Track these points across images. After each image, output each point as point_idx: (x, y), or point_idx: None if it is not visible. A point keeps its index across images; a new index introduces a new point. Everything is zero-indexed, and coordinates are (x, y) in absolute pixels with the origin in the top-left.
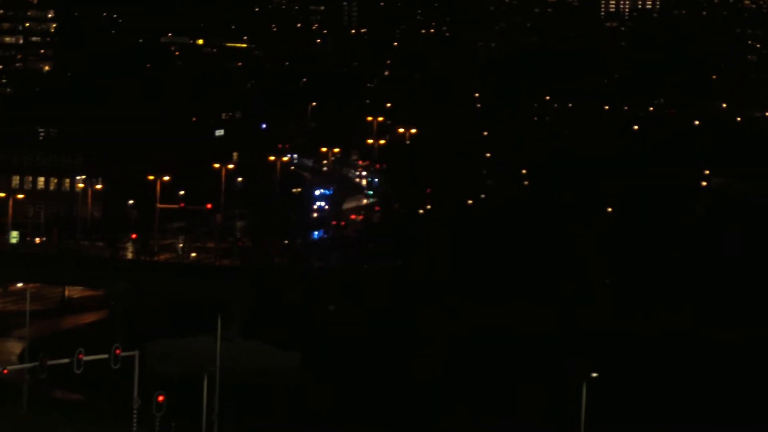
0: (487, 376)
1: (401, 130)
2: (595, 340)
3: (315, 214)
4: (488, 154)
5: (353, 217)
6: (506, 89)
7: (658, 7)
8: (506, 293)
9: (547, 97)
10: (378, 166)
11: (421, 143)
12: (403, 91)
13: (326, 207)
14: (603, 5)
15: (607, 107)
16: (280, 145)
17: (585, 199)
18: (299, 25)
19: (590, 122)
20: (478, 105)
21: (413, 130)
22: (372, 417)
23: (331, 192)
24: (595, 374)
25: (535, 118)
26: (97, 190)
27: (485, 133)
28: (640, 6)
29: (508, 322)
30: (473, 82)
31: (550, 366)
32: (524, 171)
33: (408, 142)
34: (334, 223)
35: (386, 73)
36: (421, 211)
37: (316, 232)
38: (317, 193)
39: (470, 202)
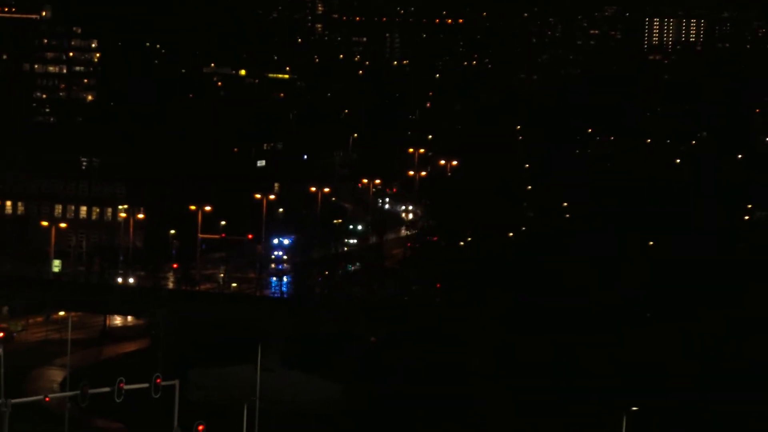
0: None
1: (442, 161)
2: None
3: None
4: (529, 187)
5: (394, 251)
6: (548, 121)
7: (701, 39)
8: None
9: (590, 130)
10: (422, 200)
11: (463, 175)
12: (444, 123)
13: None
14: (646, 38)
15: (649, 140)
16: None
17: (625, 232)
18: (341, 56)
19: (633, 155)
20: (520, 137)
21: (454, 162)
22: None
23: (369, 225)
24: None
25: (577, 151)
26: (139, 219)
27: (526, 166)
28: (683, 38)
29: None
30: (515, 114)
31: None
32: (565, 204)
33: (449, 173)
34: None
35: (428, 104)
36: (462, 243)
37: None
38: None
39: (510, 234)
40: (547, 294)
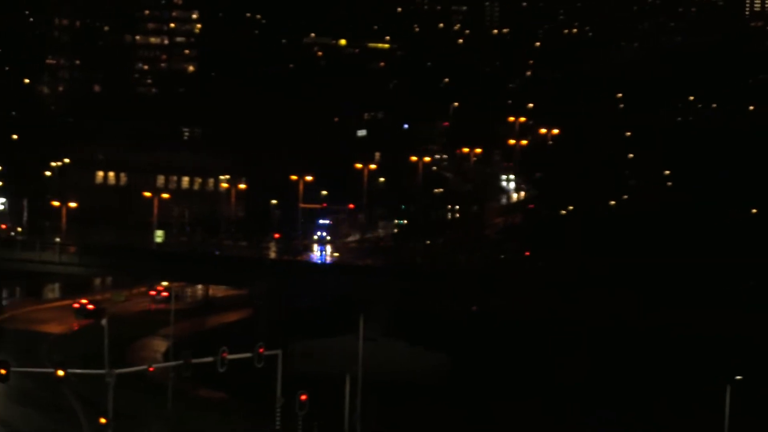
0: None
1: (543, 130)
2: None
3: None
4: (631, 155)
5: (496, 219)
6: (649, 89)
7: None
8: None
9: (691, 98)
10: (524, 169)
11: (564, 144)
12: (545, 91)
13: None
14: (748, 4)
15: (752, 107)
16: (432, 146)
17: (731, 201)
18: (441, 25)
19: (735, 123)
20: (621, 105)
21: (555, 131)
22: (519, 420)
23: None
24: (739, 377)
25: (679, 119)
26: (241, 189)
27: (628, 134)
28: None
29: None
30: (616, 82)
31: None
32: (667, 172)
33: (550, 142)
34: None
35: (528, 73)
36: (563, 212)
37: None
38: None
39: (612, 203)
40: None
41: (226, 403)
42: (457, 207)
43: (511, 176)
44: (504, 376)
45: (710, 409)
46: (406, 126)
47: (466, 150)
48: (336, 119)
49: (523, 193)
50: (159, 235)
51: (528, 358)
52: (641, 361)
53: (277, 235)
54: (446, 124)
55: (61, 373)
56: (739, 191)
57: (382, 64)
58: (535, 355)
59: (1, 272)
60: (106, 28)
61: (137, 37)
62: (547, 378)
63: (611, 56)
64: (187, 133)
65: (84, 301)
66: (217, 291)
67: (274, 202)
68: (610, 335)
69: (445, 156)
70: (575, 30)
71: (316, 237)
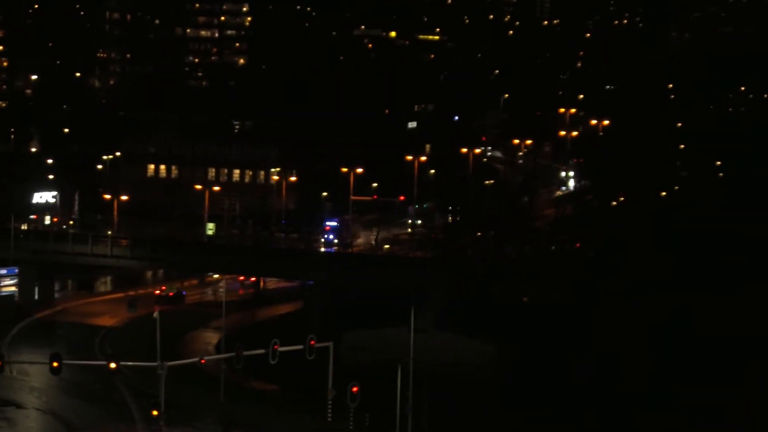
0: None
1: (594, 121)
2: None
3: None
4: (682, 146)
5: (546, 211)
6: (700, 80)
7: None
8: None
9: (742, 88)
10: (575, 160)
11: (614, 134)
12: (595, 83)
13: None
14: None
15: None
16: (483, 138)
17: None
18: (491, 16)
19: None
20: (672, 96)
21: (606, 122)
22: (569, 412)
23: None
24: None
25: (730, 109)
26: (291, 182)
27: (679, 125)
28: None
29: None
30: (667, 72)
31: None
32: (719, 163)
33: (600, 133)
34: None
35: (578, 64)
36: (615, 203)
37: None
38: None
39: (664, 193)
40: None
41: (278, 395)
42: (508, 199)
43: (562, 167)
44: (554, 371)
45: None
46: (456, 118)
47: (516, 141)
48: (386, 111)
49: (573, 185)
50: (210, 228)
51: (580, 352)
52: (707, 361)
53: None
54: (497, 116)
55: (113, 365)
56: None
57: (432, 56)
58: (588, 349)
59: (53, 265)
60: (157, 22)
61: (188, 30)
62: (603, 377)
63: (662, 47)
64: (237, 126)
65: (164, 288)
66: (269, 283)
67: (324, 194)
68: (672, 332)
69: (495, 148)
70: (625, 21)
71: (323, 240)
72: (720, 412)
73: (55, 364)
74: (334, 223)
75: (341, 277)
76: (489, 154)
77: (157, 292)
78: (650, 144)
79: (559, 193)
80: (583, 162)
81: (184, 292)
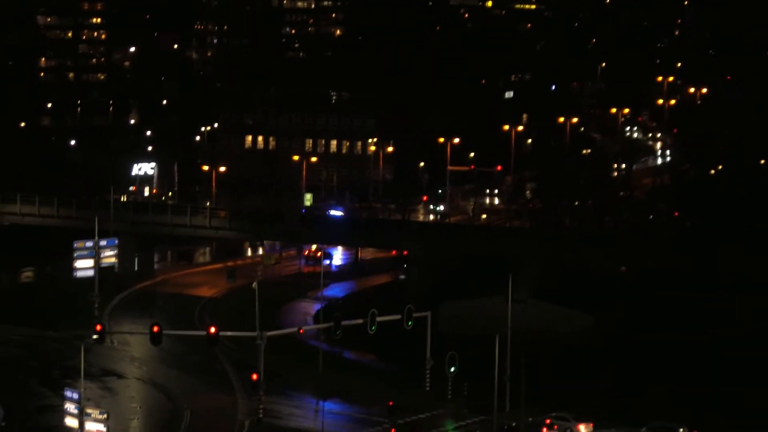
0: None
1: (692, 89)
2: None
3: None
4: None
5: (644, 180)
6: None
7: None
8: None
9: None
10: (675, 130)
11: (712, 103)
12: (694, 51)
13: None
14: None
15: None
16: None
17: None
18: None
19: None
20: None
21: (704, 90)
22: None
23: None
24: None
25: None
26: (388, 152)
27: None
28: None
29: None
30: (765, 39)
31: None
32: None
33: (698, 101)
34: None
35: (676, 32)
36: (713, 172)
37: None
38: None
39: (763, 161)
40: None
41: (376, 364)
42: (606, 168)
43: (659, 136)
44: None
45: None
46: (553, 87)
47: (614, 110)
48: (483, 81)
49: (671, 154)
50: (308, 199)
51: (678, 325)
52: None
53: (425, 198)
54: (594, 85)
55: (213, 329)
56: None
57: (528, 25)
58: (686, 322)
59: (152, 237)
60: None
61: (284, 1)
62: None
63: (761, 13)
64: (334, 97)
65: (314, 248)
66: (366, 254)
67: (421, 164)
68: None
69: (592, 118)
70: None
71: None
72: None
73: (156, 329)
74: (339, 212)
75: (438, 247)
76: (586, 122)
77: (306, 251)
78: (748, 112)
79: (656, 162)
80: (680, 131)
81: (332, 250)
